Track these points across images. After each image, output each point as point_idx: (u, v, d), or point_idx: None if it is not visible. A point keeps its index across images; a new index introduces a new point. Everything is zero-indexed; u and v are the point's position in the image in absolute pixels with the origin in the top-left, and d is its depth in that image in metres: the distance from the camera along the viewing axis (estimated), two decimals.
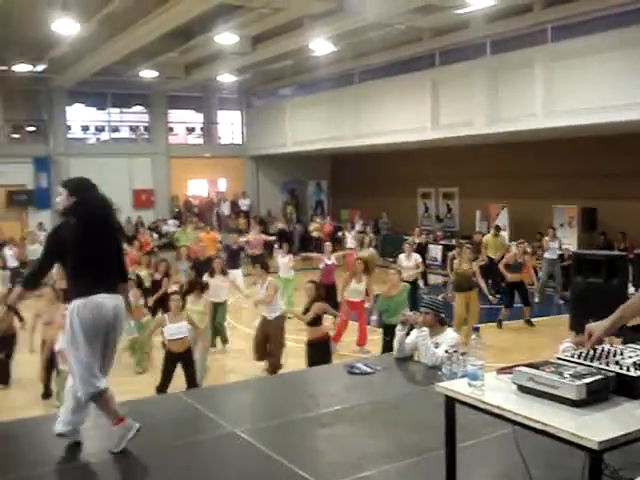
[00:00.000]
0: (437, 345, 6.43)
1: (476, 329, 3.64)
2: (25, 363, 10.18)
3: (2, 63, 22.22)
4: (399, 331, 6.79)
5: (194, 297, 10.27)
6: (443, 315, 6.70)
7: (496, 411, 3.20)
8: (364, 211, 25.44)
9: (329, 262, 14.18)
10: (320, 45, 19.69)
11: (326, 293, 11.36)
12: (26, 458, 4.78)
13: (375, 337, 11.59)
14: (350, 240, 20.02)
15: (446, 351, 5.97)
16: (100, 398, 4.64)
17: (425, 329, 6.49)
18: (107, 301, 4.60)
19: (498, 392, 3.34)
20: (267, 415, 5.61)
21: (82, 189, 4.84)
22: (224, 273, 12.70)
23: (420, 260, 14.42)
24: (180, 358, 9.11)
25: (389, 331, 9.77)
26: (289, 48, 20.13)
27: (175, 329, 9.08)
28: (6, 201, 24.34)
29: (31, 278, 4.79)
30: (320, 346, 9.34)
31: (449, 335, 6.53)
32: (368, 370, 6.55)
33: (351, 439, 5.00)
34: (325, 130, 23.31)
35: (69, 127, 26.75)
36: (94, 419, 4.82)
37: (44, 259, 4.76)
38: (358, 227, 23.33)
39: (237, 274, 14.99)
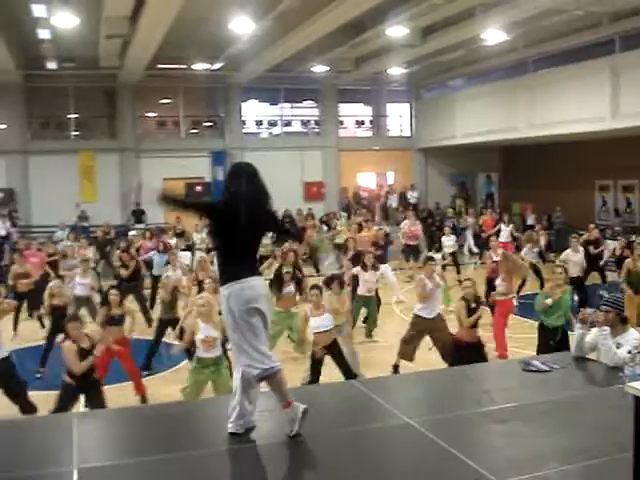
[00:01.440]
0: (619, 345, 6.14)
1: None
2: None
3: (182, 62, 23.36)
4: (578, 329, 6.54)
5: (331, 292, 9.87)
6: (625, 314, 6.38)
7: None
8: (536, 204, 24.64)
9: (496, 258, 13.75)
10: (492, 34, 19.28)
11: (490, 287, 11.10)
12: (201, 438, 4.99)
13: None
14: (505, 234, 19.34)
15: (629, 352, 5.69)
16: (273, 378, 4.72)
17: (606, 328, 6.21)
18: (257, 283, 4.74)
19: None
20: (441, 408, 5.58)
21: (234, 179, 4.86)
22: (375, 268, 12.69)
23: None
24: (327, 350, 9.01)
25: (547, 333, 9.35)
26: (460, 39, 19.89)
27: (319, 322, 9.01)
28: (185, 193, 25.59)
29: (170, 198, 4.95)
30: (476, 350, 9.05)
31: (633, 335, 6.21)
32: (544, 368, 6.36)
33: (528, 437, 4.87)
34: (497, 121, 22.81)
35: (244, 122, 27.72)
36: (266, 403, 4.91)
37: (195, 201, 5.11)
38: (530, 221, 22.65)
39: (385, 268, 14.97)
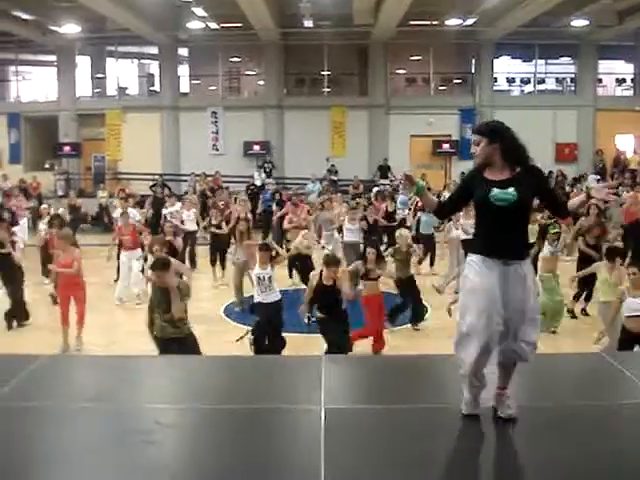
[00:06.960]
0: None
1: None
2: None
3: (434, 18, 23.21)
4: None
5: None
6: None
7: None
8: None
9: None
10: None
11: None
12: (439, 392, 5.03)
13: None
14: None
15: None
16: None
17: None
18: (495, 267, 4.09)
19: None
20: None
21: (504, 133, 4.30)
22: None
23: None
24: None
25: None
26: None
27: (636, 304, 7.86)
28: (432, 150, 25.67)
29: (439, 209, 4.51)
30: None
31: None
32: None
33: None
34: None
35: (495, 79, 27.04)
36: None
37: (449, 198, 4.63)
38: None
39: None
